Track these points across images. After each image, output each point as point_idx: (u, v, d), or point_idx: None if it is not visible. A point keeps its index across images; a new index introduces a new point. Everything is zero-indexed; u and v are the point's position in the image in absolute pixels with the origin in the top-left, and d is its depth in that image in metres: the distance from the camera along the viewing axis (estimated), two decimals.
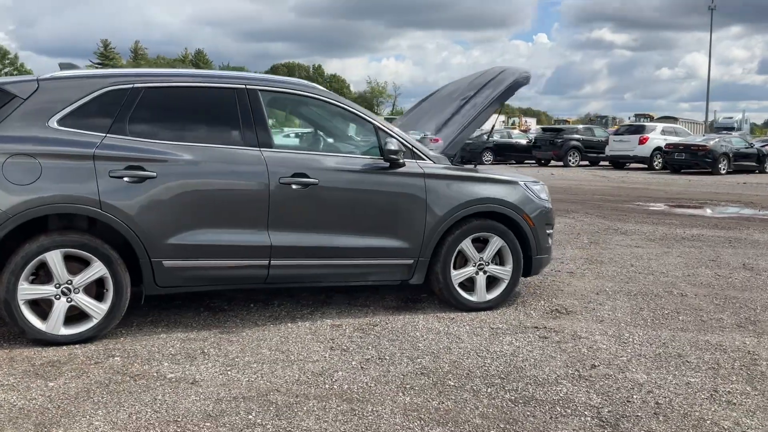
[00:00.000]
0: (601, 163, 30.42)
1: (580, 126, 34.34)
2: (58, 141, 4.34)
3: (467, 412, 3.50)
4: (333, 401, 3.59)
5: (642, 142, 27.34)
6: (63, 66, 4.98)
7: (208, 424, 3.30)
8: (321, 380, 3.88)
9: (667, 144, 26.39)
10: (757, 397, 3.75)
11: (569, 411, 3.53)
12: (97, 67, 66.58)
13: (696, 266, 7.32)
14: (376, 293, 5.83)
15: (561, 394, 3.74)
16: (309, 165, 4.85)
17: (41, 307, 4.35)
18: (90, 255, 4.36)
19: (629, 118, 57.34)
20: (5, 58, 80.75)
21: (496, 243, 5.38)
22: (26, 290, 4.27)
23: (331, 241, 4.92)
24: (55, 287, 4.32)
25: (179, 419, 3.34)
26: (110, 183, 4.37)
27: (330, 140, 5.63)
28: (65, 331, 4.36)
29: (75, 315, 4.41)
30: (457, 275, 5.31)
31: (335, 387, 3.79)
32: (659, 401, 3.66)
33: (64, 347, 4.32)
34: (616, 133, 30.24)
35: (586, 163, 30.52)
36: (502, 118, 62.40)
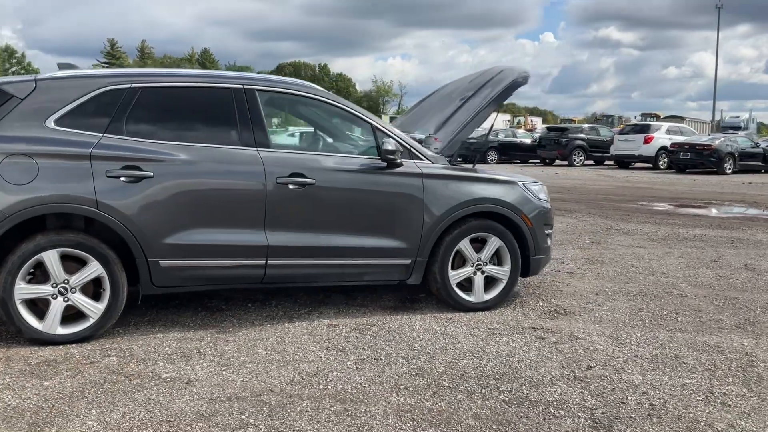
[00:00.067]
0: (606, 162, 30.34)
1: (585, 125, 34.22)
2: (55, 141, 4.35)
3: (460, 413, 3.49)
4: (326, 402, 3.59)
5: (647, 141, 27.25)
6: (62, 66, 4.99)
7: (201, 424, 3.30)
8: (315, 380, 3.88)
9: (672, 143, 26.29)
10: (753, 399, 3.73)
11: (563, 412, 3.52)
12: (103, 67, 66.85)
13: (697, 267, 7.30)
14: (374, 293, 5.83)
15: (555, 395, 3.73)
16: (306, 165, 4.85)
17: (38, 307, 4.37)
18: (87, 255, 4.37)
19: (635, 118, 57.18)
20: (12, 57, 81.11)
21: (494, 243, 5.37)
22: (23, 290, 4.29)
23: (329, 241, 4.92)
24: (52, 287, 4.34)
25: (172, 419, 3.35)
26: (107, 183, 4.38)
27: (327, 140, 5.63)
28: (62, 331, 4.37)
29: (72, 314, 4.42)
30: (455, 275, 5.30)
31: (329, 387, 3.79)
32: (654, 403, 3.65)
33: (61, 347, 4.33)
34: (621, 133, 30.14)
35: (591, 162, 30.44)
36: (508, 117, 62.35)
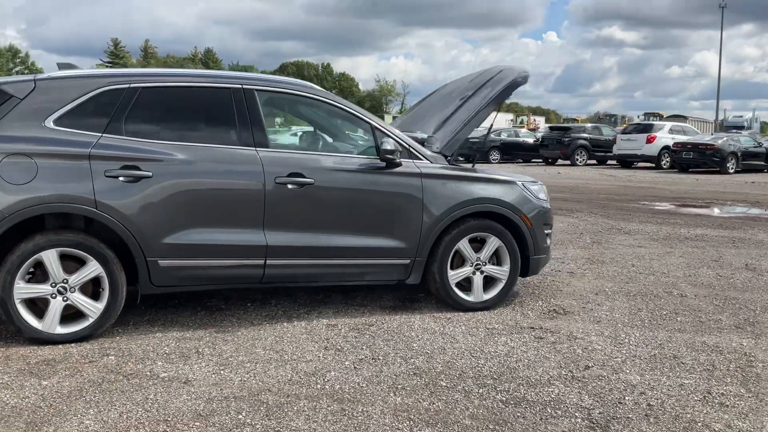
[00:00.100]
0: (609, 162, 30.29)
1: (588, 125, 34.19)
2: (54, 141, 4.36)
3: (457, 412, 3.50)
4: (324, 401, 3.59)
5: (650, 141, 27.20)
6: (61, 66, 5.01)
7: (198, 423, 3.31)
8: (313, 380, 3.88)
9: (674, 143, 26.24)
10: (751, 399, 3.72)
11: (560, 412, 3.52)
12: (107, 66, 66.96)
13: (698, 266, 7.28)
14: (373, 293, 5.83)
15: (552, 395, 3.73)
16: (305, 165, 4.86)
17: (38, 306, 4.38)
18: (86, 254, 4.39)
19: (638, 117, 57.09)
20: (16, 56, 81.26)
21: (493, 243, 5.37)
22: (22, 289, 4.30)
23: (328, 240, 4.93)
24: (51, 286, 4.35)
25: (169, 418, 3.36)
26: (106, 182, 4.39)
27: (327, 140, 5.63)
28: (61, 330, 4.39)
29: (71, 314, 4.43)
30: (454, 275, 5.30)
31: (327, 387, 3.79)
32: (651, 403, 3.65)
33: (60, 346, 4.35)
34: (623, 132, 30.09)
35: (594, 162, 30.41)
36: (510, 116, 62.28)
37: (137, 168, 4.47)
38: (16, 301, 4.28)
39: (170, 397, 3.61)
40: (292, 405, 3.54)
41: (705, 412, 3.55)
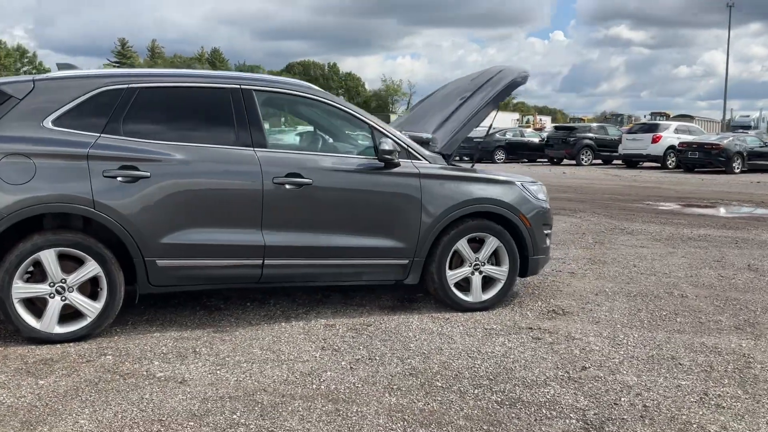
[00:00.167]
0: (615, 161, 30.21)
1: (594, 124, 34.09)
2: (53, 141, 4.38)
3: (452, 413, 3.49)
4: (318, 401, 3.60)
5: (655, 140, 27.10)
6: (61, 66, 5.03)
7: (192, 423, 3.32)
8: (309, 380, 3.89)
9: (680, 143, 26.15)
10: (748, 401, 3.71)
11: (554, 413, 3.51)
12: (114, 66, 67.19)
13: (700, 267, 7.26)
14: (372, 293, 5.83)
15: (548, 396, 3.72)
16: (303, 165, 4.86)
17: (36, 306, 4.40)
18: (84, 254, 4.40)
19: (645, 117, 56.92)
20: (24, 56, 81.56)
21: (492, 243, 5.36)
22: (21, 289, 4.32)
23: (326, 240, 4.93)
24: (50, 286, 4.37)
25: (164, 418, 3.37)
26: (104, 183, 4.40)
27: (325, 140, 5.64)
28: (59, 330, 4.40)
29: (69, 313, 4.45)
30: (453, 275, 5.30)
31: (322, 387, 3.79)
32: (647, 404, 3.63)
33: (58, 345, 4.36)
34: (629, 132, 29.99)
35: (599, 161, 30.32)
36: (516, 116, 62.17)
37: (135, 168, 4.48)
38: (15, 301, 4.29)
39: (166, 396, 3.62)
40: (287, 405, 3.54)
41: (701, 413, 3.54)
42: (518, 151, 32.08)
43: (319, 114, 5.59)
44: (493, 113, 5.74)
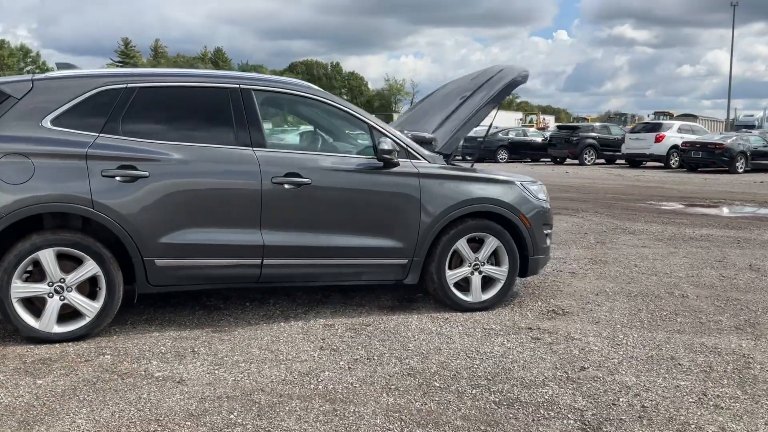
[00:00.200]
0: (618, 161, 30.15)
1: (597, 124, 34.04)
2: (51, 141, 4.38)
3: (449, 413, 3.49)
4: (316, 401, 3.59)
5: (658, 140, 27.04)
6: (60, 66, 5.04)
7: (189, 423, 3.32)
8: (307, 380, 3.88)
9: (683, 142, 26.10)
10: (746, 401, 3.69)
11: (552, 413, 3.50)
12: (117, 66, 67.27)
13: (701, 267, 7.24)
14: (372, 293, 5.83)
15: (546, 396, 3.71)
16: (302, 165, 4.86)
17: (35, 305, 4.40)
18: (82, 253, 4.40)
19: (648, 116, 56.79)
20: (27, 56, 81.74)
21: (491, 243, 5.35)
22: (20, 288, 4.32)
23: (325, 240, 4.93)
24: (48, 285, 4.37)
25: (161, 418, 3.36)
26: (102, 182, 4.40)
27: (324, 140, 5.63)
28: (58, 329, 4.41)
29: (68, 313, 4.45)
30: (452, 275, 5.29)
31: (320, 387, 3.79)
32: (645, 404, 3.62)
33: (57, 345, 4.37)
34: (632, 131, 29.92)
35: (602, 161, 30.28)
36: (520, 115, 62.08)
37: (134, 168, 4.48)
38: (14, 301, 4.30)
39: (163, 396, 3.62)
40: (284, 405, 3.54)
41: (699, 413, 3.53)
42: (521, 151, 32.05)
43: (318, 114, 5.58)
44: (493, 112, 5.73)
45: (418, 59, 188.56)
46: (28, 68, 76.60)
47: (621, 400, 3.68)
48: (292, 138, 8.85)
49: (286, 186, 4.78)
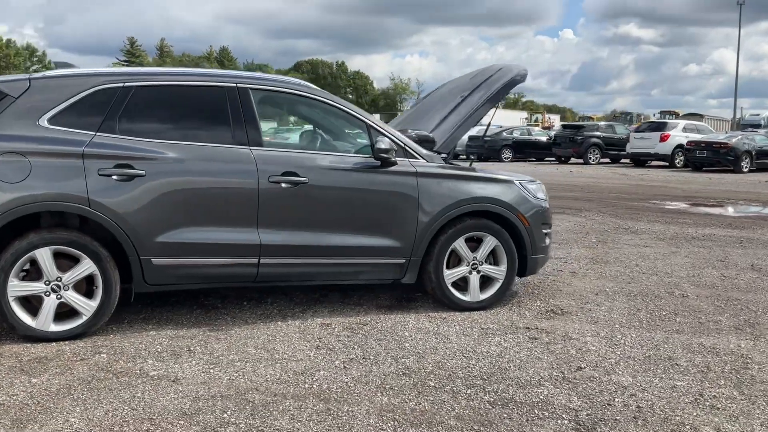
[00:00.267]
0: (623, 160, 30.06)
1: (602, 123, 33.97)
2: (48, 139, 4.39)
3: (443, 413, 3.47)
4: (310, 401, 3.59)
5: (663, 139, 26.95)
6: (58, 65, 5.05)
7: (182, 422, 3.31)
8: (301, 379, 3.88)
9: (688, 141, 26.00)
10: (743, 402, 3.67)
11: (547, 414, 3.49)
12: (123, 65, 67.47)
13: (702, 267, 7.20)
14: (370, 292, 5.82)
15: (541, 397, 3.70)
16: (299, 163, 4.85)
17: (31, 304, 4.41)
18: (79, 252, 4.40)
19: (654, 115, 56.63)
20: (33, 55, 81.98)
21: (490, 242, 5.34)
22: (16, 287, 4.33)
23: (322, 239, 4.92)
24: (45, 284, 4.38)
25: (154, 417, 3.36)
26: (99, 181, 4.41)
27: (322, 139, 5.62)
28: (55, 328, 4.41)
29: (65, 312, 4.45)
30: (450, 275, 5.27)
31: (314, 386, 3.78)
32: (641, 405, 3.60)
33: (53, 344, 4.37)
34: (637, 131, 29.85)
35: (607, 160, 30.19)
36: (525, 114, 62.00)
37: (131, 167, 4.48)
38: (10, 299, 4.31)
39: (157, 395, 3.62)
40: (278, 404, 3.53)
41: (695, 414, 3.51)
42: (525, 150, 32.01)
43: (316, 113, 5.57)
44: (492, 111, 5.71)
45: (424, 58, 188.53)
46: (34, 67, 76.76)
47: (616, 400, 3.67)
48: (290, 137, 8.84)
49: (283, 185, 4.77)
